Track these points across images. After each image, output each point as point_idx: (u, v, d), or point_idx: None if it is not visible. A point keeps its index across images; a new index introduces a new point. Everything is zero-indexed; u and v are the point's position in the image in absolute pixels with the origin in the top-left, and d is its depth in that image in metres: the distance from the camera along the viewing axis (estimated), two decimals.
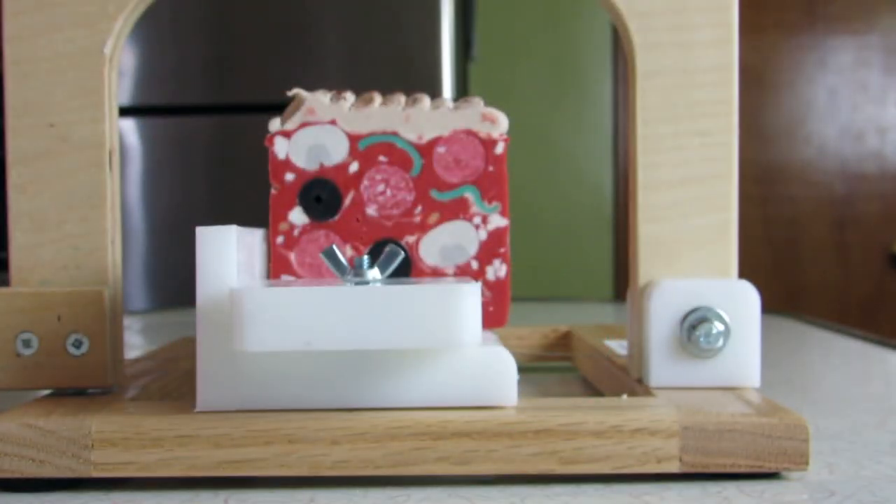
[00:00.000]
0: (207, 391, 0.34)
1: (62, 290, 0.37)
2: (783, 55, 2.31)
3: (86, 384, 0.37)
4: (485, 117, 0.40)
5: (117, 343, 0.38)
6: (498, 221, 0.40)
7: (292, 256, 0.40)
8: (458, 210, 0.40)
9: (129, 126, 1.49)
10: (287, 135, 0.40)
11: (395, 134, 0.40)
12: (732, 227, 0.39)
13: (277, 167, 0.40)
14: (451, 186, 0.40)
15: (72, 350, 0.37)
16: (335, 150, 0.40)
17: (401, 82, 1.46)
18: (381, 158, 0.40)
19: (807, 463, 0.33)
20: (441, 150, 0.40)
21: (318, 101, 0.40)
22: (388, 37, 1.50)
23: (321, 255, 0.37)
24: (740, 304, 0.38)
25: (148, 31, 1.48)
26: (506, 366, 0.34)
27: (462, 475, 0.33)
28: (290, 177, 0.40)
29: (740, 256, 0.39)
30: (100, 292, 0.37)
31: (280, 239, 0.40)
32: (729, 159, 0.39)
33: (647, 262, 0.39)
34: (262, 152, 0.41)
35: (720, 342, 0.37)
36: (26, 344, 0.37)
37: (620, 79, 2.25)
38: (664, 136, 0.39)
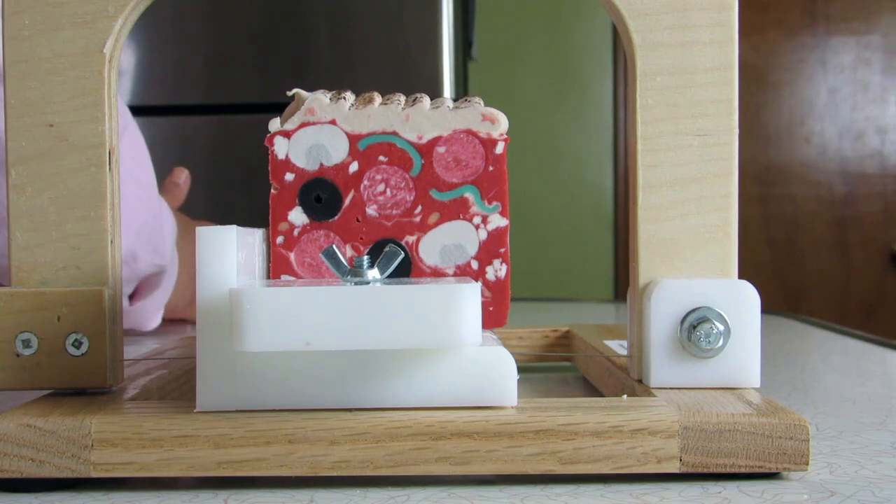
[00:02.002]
0: (207, 391, 0.34)
1: (62, 290, 0.37)
2: (783, 55, 2.31)
3: (85, 384, 0.37)
4: (485, 117, 0.40)
5: (117, 343, 0.38)
6: (498, 221, 0.40)
7: (292, 256, 0.40)
8: (458, 210, 0.40)
9: None
10: (287, 135, 0.40)
11: (395, 134, 0.40)
12: (732, 227, 0.39)
13: (277, 167, 0.40)
14: (451, 186, 0.40)
15: (71, 350, 0.37)
16: (335, 150, 0.40)
17: (401, 82, 1.46)
18: (381, 158, 0.40)
19: (807, 463, 0.33)
20: (441, 149, 0.40)
21: (317, 100, 0.40)
22: (388, 37, 1.50)
23: (321, 255, 0.37)
24: (740, 304, 0.38)
25: (148, 31, 1.48)
26: (506, 366, 0.34)
27: (462, 475, 0.33)
28: (290, 177, 0.40)
29: (740, 256, 0.39)
30: (100, 292, 0.37)
31: (280, 239, 0.40)
32: (729, 159, 0.39)
33: (647, 262, 0.39)
34: (261, 152, 0.41)
35: (720, 342, 0.37)
36: (26, 344, 0.37)
37: (620, 79, 2.25)
38: (664, 135, 0.39)
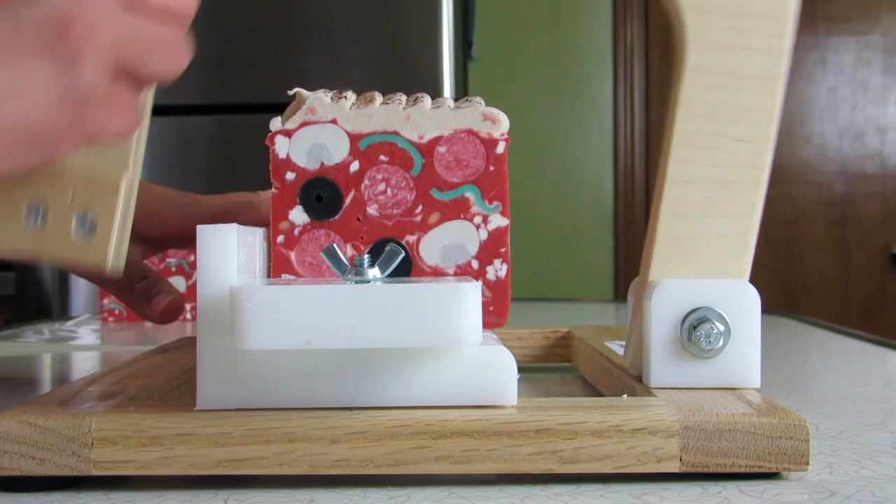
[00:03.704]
0: (207, 390, 0.34)
1: (81, 168, 0.37)
2: None
3: (86, 262, 0.37)
4: (486, 117, 0.40)
5: (124, 231, 0.37)
6: (498, 221, 0.40)
7: (293, 255, 0.40)
8: (458, 210, 0.40)
9: None
10: (288, 134, 0.40)
11: (395, 133, 0.40)
12: (752, 236, 0.38)
13: (278, 166, 0.40)
14: (452, 186, 0.40)
15: (78, 228, 0.37)
16: (336, 150, 0.40)
17: (401, 82, 1.46)
18: (382, 158, 0.40)
19: (807, 463, 0.33)
20: (442, 149, 0.40)
21: (319, 100, 0.40)
22: (388, 37, 1.50)
23: (322, 254, 0.37)
24: (740, 304, 0.38)
25: None
26: (506, 365, 0.34)
27: (462, 474, 0.33)
28: (290, 176, 0.40)
29: None
30: (117, 176, 0.37)
31: (281, 238, 0.40)
32: (761, 168, 0.38)
33: (662, 255, 0.38)
34: (262, 152, 0.41)
35: (720, 342, 0.37)
36: (35, 212, 0.36)
37: (620, 79, 2.25)
38: (700, 133, 0.38)
